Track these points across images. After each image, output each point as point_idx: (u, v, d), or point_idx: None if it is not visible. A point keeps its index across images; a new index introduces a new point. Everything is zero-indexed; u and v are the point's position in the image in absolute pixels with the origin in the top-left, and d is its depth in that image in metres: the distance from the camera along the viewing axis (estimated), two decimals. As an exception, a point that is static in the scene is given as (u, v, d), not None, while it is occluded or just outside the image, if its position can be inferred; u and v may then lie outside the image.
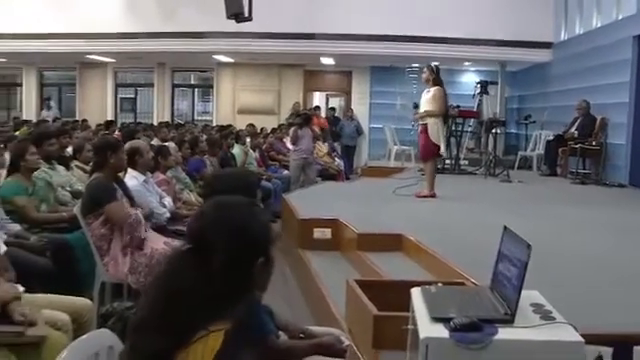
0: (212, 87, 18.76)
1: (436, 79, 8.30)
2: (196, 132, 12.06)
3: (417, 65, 15.59)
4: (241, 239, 1.74)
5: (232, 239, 1.72)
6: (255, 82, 17.74)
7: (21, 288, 3.44)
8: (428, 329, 2.41)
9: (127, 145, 5.70)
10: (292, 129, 10.93)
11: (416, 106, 8.93)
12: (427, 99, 8.28)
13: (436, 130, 8.14)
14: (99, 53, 16.72)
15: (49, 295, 3.82)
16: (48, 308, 3.52)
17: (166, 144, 7.67)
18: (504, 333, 2.36)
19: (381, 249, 5.53)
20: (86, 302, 3.89)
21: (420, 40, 14.10)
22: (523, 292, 2.44)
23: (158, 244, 4.81)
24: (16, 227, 5.10)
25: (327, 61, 16.88)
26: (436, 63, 8.62)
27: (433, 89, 8.24)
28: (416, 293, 2.80)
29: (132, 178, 5.40)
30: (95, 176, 4.96)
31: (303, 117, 10.84)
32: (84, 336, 2.13)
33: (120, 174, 5.15)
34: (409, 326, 2.84)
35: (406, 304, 2.89)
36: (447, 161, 11.65)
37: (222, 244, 1.71)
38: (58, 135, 7.03)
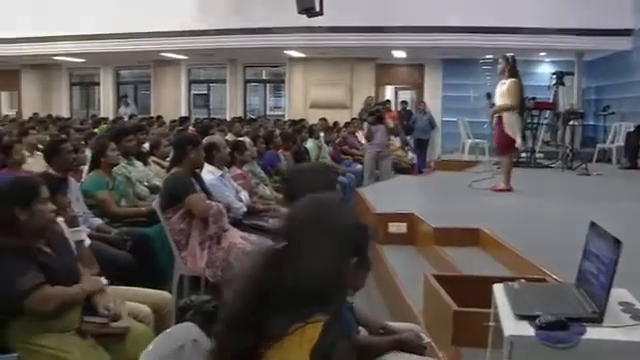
0: (284, 82, 18.86)
1: (512, 70, 8.09)
2: (270, 127, 12.13)
3: (491, 56, 15.30)
4: (334, 238, 1.70)
5: (326, 239, 1.69)
6: (327, 76, 17.72)
7: (104, 281, 3.53)
8: (512, 327, 2.34)
9: (204, 140, 5.80)
10: (365, 126, 10.92)
11: (489, 96, 8.73)
12: (502, 92, 8.09)
13: (511, 123, 7.97)
14: (172, 51, 17.03)
15: (131, 288, 3.91)
16: (130, 300, 3.60)
17: (241, 139, 7.74)
18: (592, 333, 2.26)
19: (457, 244, 5.45)
20: (166, 295, 3.97)
21: (493, 31, 13.78)
22: (611, 290, 2.35)
23: (235, 238, 4.86)
24: (98, 221, 5.25)
25: (399, 54, 16.75)
26: (511, 54, 8.42)
27: (508, 81, 8.04)
28: (498, 289, 2.73)
29: (209, 173, 5.48)
30: (173, 171, 5.05)
31: (375, 115, 10.77)
32: (169, 329, 2.15)
33: (197, 169, 5.22)
34: (490, 323, 2.79)
35: (485, 300, 2.83)
36: (522, 154, 11.39)
37: (314, 244, 1.68)
38: (135, 131, 7.20)
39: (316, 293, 1.66)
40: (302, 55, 17.36)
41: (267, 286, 1.67)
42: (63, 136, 8.40)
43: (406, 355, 2.67)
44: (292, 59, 17.93)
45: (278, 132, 9.56)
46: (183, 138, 5.49)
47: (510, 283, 2.78)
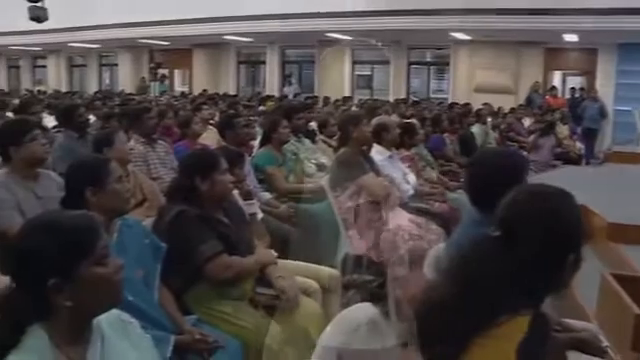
0: (448, 65, 18.52)
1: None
2: (436, 110, 11.93)
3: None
4: (557, 232, 1.64)
5: (547, 231, 1.63)
6: (492, 60, 17.13)
7: (274, 254, 3.62)
8: None
9: (374, 121, 5.81)
10: (532, 136, 10.35)
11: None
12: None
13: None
14: (337, 31, 17.19)
15: (300, 263, 3.99)
16: (299, 275, 3.68)
17: (410, 121, 7.68)
18: None
19: (634, 242, 5.10)
20: (334, 272, 4.01)
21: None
22: None
23: (402, 220, 4.83)
24: (266, 195, 5.40)
25: (570, 38, 15.94)
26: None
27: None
28: (691, 296, 2.53)
29: (377, 153, 5.48)
30: (342, 151, 5.10)
31: (546, 124, 10.17)
32: (348, 309, 2.17)
33: (365, 148, 5.23)
34: (678, 332, 2.60)
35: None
36: None
37: (536, 236, 1.62)
38: (304, 110, 7.34)
39: (530, 288, 1.61)
40: (468, 37, 16.94)
41: (479, 275, 1.63)
42: (232, 112, 8.73)
43: (585, 356, 2.55)
44: (457, 42, 17.53)
45: (445, 115, 9.36)
46: (345, 118, 5.53)
47: None
